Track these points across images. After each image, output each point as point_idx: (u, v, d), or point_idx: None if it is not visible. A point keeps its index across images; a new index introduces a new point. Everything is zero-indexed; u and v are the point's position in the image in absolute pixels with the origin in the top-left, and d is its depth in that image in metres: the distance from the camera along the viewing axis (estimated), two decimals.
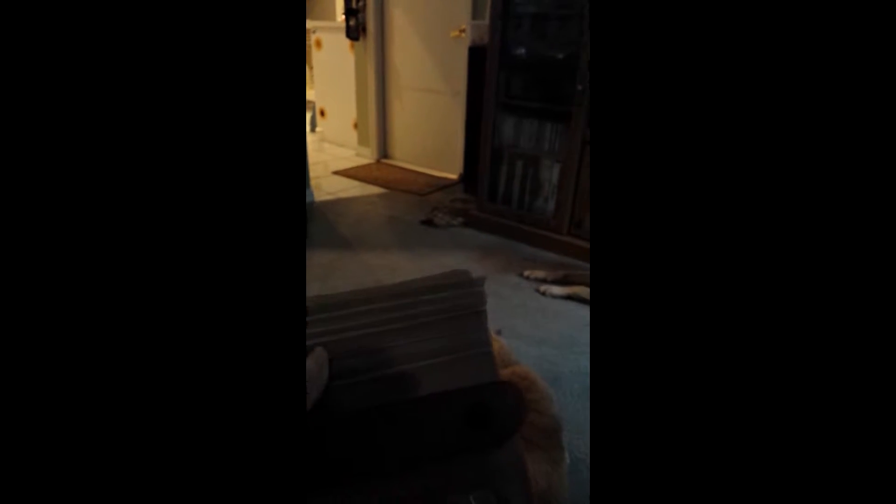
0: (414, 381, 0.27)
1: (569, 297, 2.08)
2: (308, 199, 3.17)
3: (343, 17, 3.92)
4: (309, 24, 4.59)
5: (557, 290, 2.12)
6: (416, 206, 3.17)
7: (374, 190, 3.52)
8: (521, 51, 2.51)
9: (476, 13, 3.27)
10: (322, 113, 4.76)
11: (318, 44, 4.45)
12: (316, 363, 0.29)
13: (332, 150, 4.51)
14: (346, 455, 0.25)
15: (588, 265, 2.35)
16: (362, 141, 4.27)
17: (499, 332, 1.04)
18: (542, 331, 1.86)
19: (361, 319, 0.28)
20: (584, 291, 2.11)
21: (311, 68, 4.75)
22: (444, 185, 3.61)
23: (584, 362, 1.70)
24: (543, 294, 2.13)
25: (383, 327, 0.28)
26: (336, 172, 3.83)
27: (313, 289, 2.14)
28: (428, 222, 2.89)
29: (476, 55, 3.08)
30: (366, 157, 4.25)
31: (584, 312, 2.02)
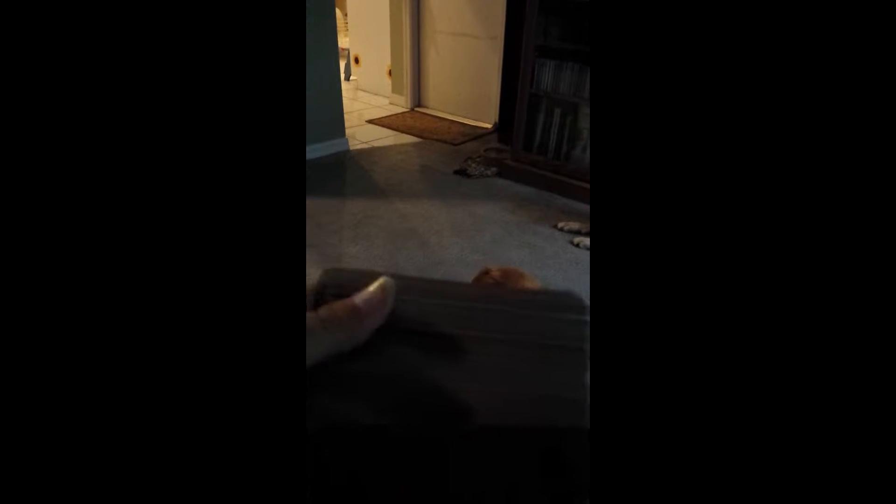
0: (484, 402, 0.21)
1: None
2: (342, 148, 3.18)
3: None
4: None
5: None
6: (449, 156, 3.14)
7: (408, 139, 3.49)
8: None
9: None
10: (356, 60, 4.68)
11: None
12: (382, 291, 0.23)
13: (367, 99, 4.46)
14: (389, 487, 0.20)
15: None
16: (396, 89, 4.20)
17: None
18: (574, 282, 1.85)
19: (440, 311, 0.23)
20: None
21: (346, 14, 4.64)
22: (478, 135, 3.55)
23: None
24: (577, 246, 2.10)
25: (462, 330, 0.23)
26: (370, 121, 3.81)
27: (346, 235, 2.18)
28: (461, 172, 2.86)
29: None
30: (400, 105, 4.19)
31: None
